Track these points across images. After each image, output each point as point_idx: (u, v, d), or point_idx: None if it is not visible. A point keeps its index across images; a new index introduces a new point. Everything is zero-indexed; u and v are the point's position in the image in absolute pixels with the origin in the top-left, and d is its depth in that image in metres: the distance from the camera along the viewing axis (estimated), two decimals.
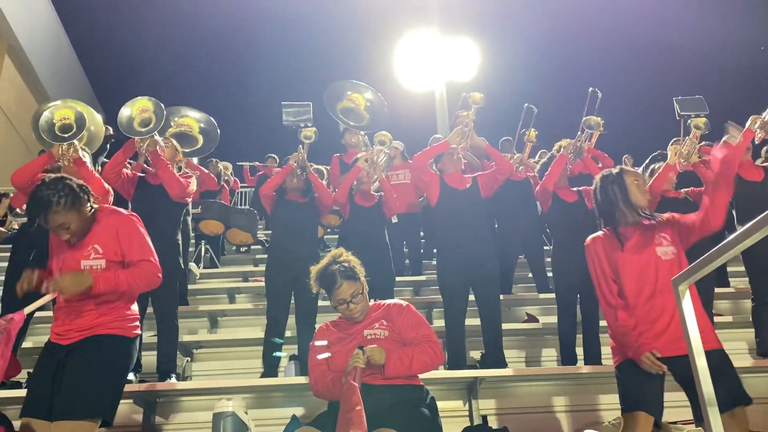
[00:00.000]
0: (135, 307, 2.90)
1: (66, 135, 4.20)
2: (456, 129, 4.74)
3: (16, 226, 9.69)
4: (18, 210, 9.40)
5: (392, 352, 2.76)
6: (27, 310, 3.07)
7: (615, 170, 3.13)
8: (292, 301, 4.62)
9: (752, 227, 1.30)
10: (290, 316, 4.64)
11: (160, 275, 2.84)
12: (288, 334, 4.63)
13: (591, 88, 5.84)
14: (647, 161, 6.09)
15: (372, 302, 3.05)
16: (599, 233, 3.03)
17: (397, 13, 15.52)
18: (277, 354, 4.44)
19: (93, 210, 2.83)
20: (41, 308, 3.05)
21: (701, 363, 1.56)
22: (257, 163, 10.47)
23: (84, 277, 2.64)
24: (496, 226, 5.88)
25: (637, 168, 5.70)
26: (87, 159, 4.38)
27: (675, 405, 3.03)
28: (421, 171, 4.72)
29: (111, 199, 4.36)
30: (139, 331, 2.89)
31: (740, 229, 1.35)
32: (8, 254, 4.89)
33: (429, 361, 2.81)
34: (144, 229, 2.91)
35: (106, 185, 4.28)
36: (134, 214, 2.97)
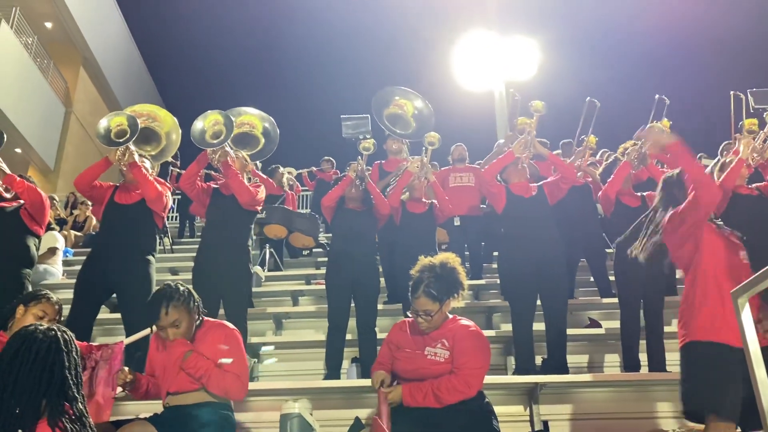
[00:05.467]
0: None
1: (120, 140, 4.39)
2: (519, 139, 4.76)
3: (93, 231, 10.26)
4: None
5: (411, 388, 2.83)
6: (126, 341, 3.30)
7: (676, 172, 3.16)
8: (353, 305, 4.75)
9: None
10: (352, 318, 4.77)
11: (245, 388, 3.00)
12: (349, 336, 4.75)
13: (657, 96, 5.68)
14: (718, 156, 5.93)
15: (451, 316, 3.07)
16: None
17: (456, 13, 15.54)
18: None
19: (201, 319, 3.10)
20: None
21: (761, 374, 1.55)
22: (314, 168, 10.96)
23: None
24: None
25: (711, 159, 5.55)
26: (146, 163, 4.60)
27: None
28: (489, 184, 4.78)
29: (167, 202, 4.57)
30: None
31: None
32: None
33: (448, 397, 2.79)
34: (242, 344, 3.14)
35: (160, 188, 4.48)
36: (237, 329, 3.19)
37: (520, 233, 4.62)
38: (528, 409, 3.96)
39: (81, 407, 2.09)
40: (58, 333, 2.15)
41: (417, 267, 3.04)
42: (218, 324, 3.18)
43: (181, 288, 3.01)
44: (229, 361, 2.94)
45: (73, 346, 2.17)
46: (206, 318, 3.18)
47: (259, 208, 4.84)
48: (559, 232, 4.72)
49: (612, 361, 4.86)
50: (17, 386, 1.99)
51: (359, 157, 5.02)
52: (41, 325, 2.19)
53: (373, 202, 4.93)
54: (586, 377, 4.31)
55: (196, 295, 3.08)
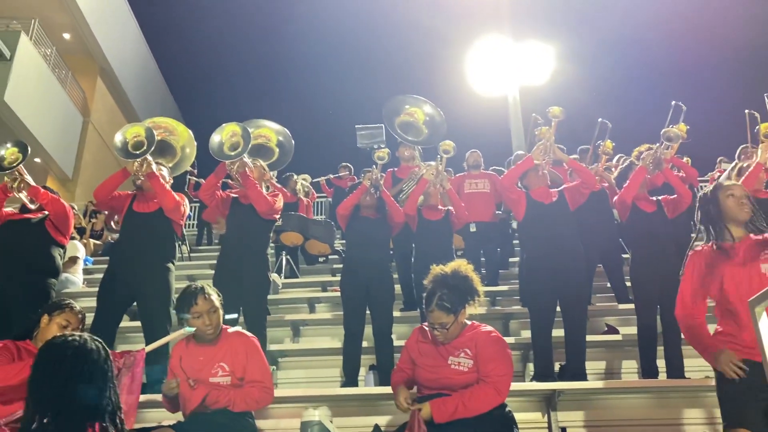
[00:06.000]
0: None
1: (138, 152, 4.48)
2: (538, 144, 4.77)
3: (111, 239, 10.39)
4: (113, 224, 10.05)
5: (439, 404, 2.80)
6: (147, 348, 3.37)
7: (710, 188, 3.12)
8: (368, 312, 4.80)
9: None
10: (368, 326, 4.80)
11: (271, 393, 3.15)
12: (366, 344, 4.78)
13: (674, 102, 5.65)
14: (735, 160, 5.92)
15: (469, 323, 3.05)
16: (705, 246, 3.00)
17: (469, 19, 15.58)
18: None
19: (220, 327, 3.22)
20: None
21: None
22: (331, 176, 11.09)
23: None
24: None
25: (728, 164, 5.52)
26: (164, 172, 4.69)
27: None
28: (509, 190, 4.78)
29: (185, 210, 4.66)
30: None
31: None
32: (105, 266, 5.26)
33: (480, 406, 2.79)
34: (262, 351, 3.27)
35: (177, 197, 4.56)
36: (255, 337, 3.30)
37: (540, 239, 4.61)
38: (546, 416, 3.96)
39: (122, 417, 2.12)
40: (99, 342, 2.18)
41: (429, 277, 3.03)
42: (237, 333, 3.28)
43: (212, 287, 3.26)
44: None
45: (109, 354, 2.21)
46: (224, 326, 3.27)
47: (277, 216, 4.90)
48: (580, 239, 4.70)
49: (630, 368, 4.84)
50: (75, 397, 1.99)
51: (374, 166, 5.09)
52: (82, 335, 2.17)
53: (388, 210, 4.98)
54: (604, 384, 4.30)
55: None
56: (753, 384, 2.58)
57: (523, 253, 5.07)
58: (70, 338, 2.12)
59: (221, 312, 3.21)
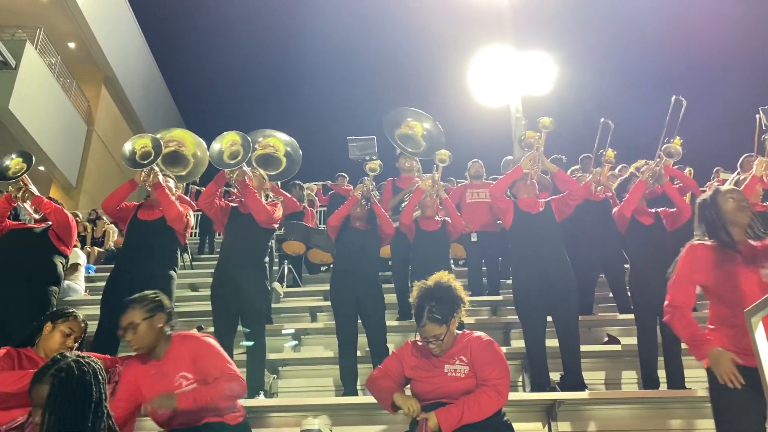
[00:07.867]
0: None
1: (145, 162, 4.56)
2: (527, 154, 4.79)
3: (114, 247, 10.41)
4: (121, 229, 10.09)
5: (445, 413, 2.74)
6: None
7: (709, 194, 3.10)
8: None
9: None
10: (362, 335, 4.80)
11: (243, 380, 2.90)
12: (359, 353, 4.79)
13: (675, 96, 5.62)
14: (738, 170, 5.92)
15: (459, 331, 3.03)
16: (707, 242, 2.94)
17: (472, 29, 15.64)
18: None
19: (168, 333, 2.97)
20: None
21: None
22: (329, 182, 10.92)
23: (170, 398, 2.74)
24: (575, 246, 5.80)
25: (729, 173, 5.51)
26: (170, 183, 4.77)
27: None
28: (498, 199, 4.80)
29: (188, 221, 4.71)
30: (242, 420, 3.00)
31: None
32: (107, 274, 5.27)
33: (485, 409, 2.76)
34: (217, 344, 3.01)
35: (181, 209, 4.61)
36: (208, 335, 3.08)
37: (527, 250, 4.62)
38: (546, 426, 3.97)
39: None
40: (88, 365, 2.17)
41: (414, 293, 3.02)
42: (188, 336, 3.05)
43: (151, 294, 3.00)
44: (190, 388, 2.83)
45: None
46: (174, 333, 3.03)
47: (276, 225, 4.92)
48: (565, 249, 4.69)
49: (630, 378, 4.83)
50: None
51: (365, 177, 5.15)
52: (84, 357, 2.19)
53: (378, 221, 5.01)
54: (605, 394, 4.31)
55: (167, 305, 3.02)
56: (751, 392, 2.53)
57: (512, 262, 5.08)
58: (79, 365, 2.14)
59: (151, 324, 2.90)
